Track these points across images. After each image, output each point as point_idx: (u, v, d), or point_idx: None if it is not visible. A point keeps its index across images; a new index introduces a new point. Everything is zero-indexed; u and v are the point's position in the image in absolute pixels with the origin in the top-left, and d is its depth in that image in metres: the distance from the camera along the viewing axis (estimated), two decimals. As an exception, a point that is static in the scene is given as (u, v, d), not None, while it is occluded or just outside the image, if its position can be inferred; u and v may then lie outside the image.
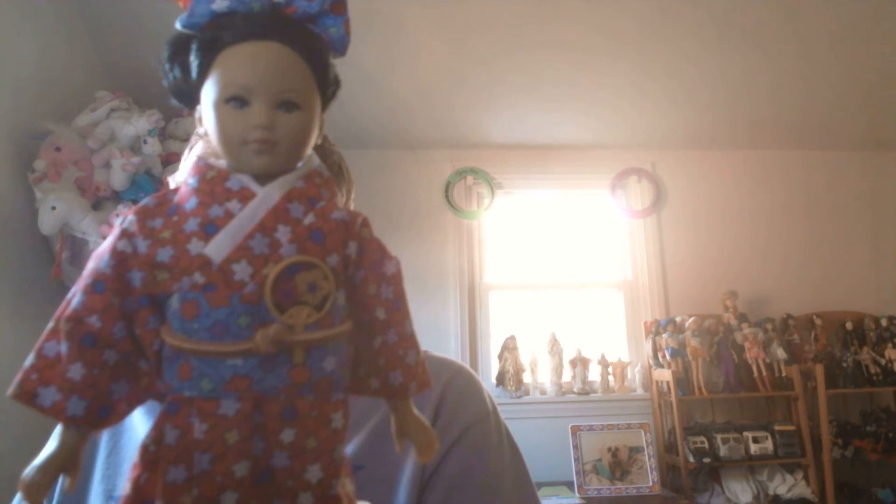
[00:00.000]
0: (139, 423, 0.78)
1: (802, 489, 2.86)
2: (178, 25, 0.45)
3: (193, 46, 0.45)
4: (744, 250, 3.47)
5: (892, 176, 3.67)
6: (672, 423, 3.01)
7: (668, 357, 3.06)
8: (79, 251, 2.19)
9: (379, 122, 3.25)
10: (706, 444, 2.88)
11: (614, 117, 3.33)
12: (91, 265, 0.42)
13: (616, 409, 3.16)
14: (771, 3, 2.61)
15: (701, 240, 3.49)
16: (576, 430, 2.91)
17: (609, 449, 2.89)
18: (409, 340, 0.46)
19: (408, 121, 3.29)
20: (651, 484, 2.81)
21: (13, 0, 2.19)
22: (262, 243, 0.41)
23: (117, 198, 2.27)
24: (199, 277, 0.40)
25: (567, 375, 3.25)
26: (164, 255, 0.41)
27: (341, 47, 0.48)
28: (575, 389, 3.21)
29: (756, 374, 3.06)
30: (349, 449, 0.71)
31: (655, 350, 3.16)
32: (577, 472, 2.82)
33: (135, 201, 2.25)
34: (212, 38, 0.44)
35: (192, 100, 0.46)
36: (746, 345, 3.11)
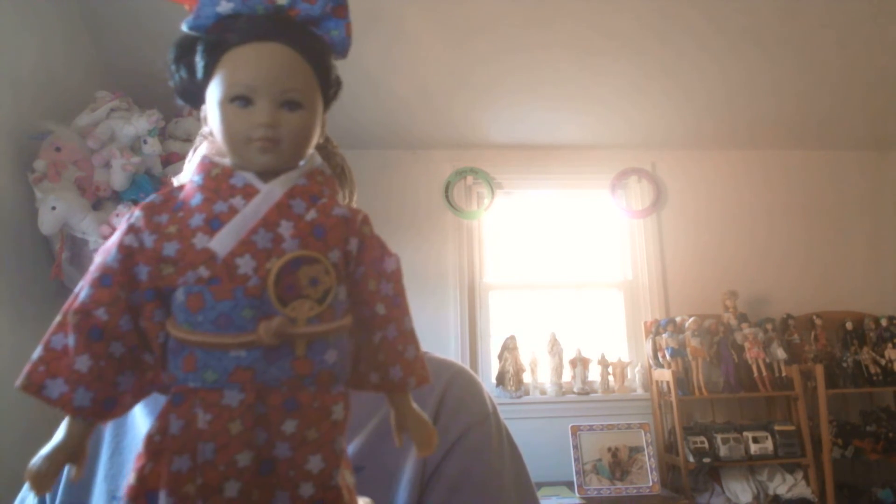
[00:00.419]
0: (142, 423, 0.78)
1: (802, 489, 2.86)
2: (184, 27, 0.47)
3: (199, 48, 0.46)
4: (744, 250, 3.48)
5: (892, 176, 3.68)
6: (672, 423, 3.01)
7: (668, 357, 3.06)
8: (79, 251, 2.19)
9: (379, 122, 3.25)
10: (706, 444, 2.88)
11: (614, 117, 3.34)
12: (98, 259, 0.43)
13: (616, 409, 3.16)
14: (771, 3, 2.62)
15: (701, 240, 3.49)
16: (576, 430, 2.92)
17: (609, 449, 2.89)
18: (409, 336, 0.47)
19: (408, 121, 3.29)
20: (651, 484, 2.81)
21: (13, 0, 2.20)
22: (265, 238, 0.42)
23: (117, 198, 2.28)
24: (203, 271, 0.41)
25: (567, 375, 3.25)
26: (170, 249, 0.42)
27: (342, 50, 0.49)
28: (575, 389, 3.21)
29: (756, 374, 3.06)
30: (350, 450, 0.72)
31: (655, 350, 3.16)
32: (577, 472, 2.82)
33: (135, 201, 2.25)
34: (217, 40, 0.45)
35: (197, 99, 0.48)
36: (746, 345, 3.12)
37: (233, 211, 0.43)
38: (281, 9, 0.46)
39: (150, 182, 2.33)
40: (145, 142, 2.32)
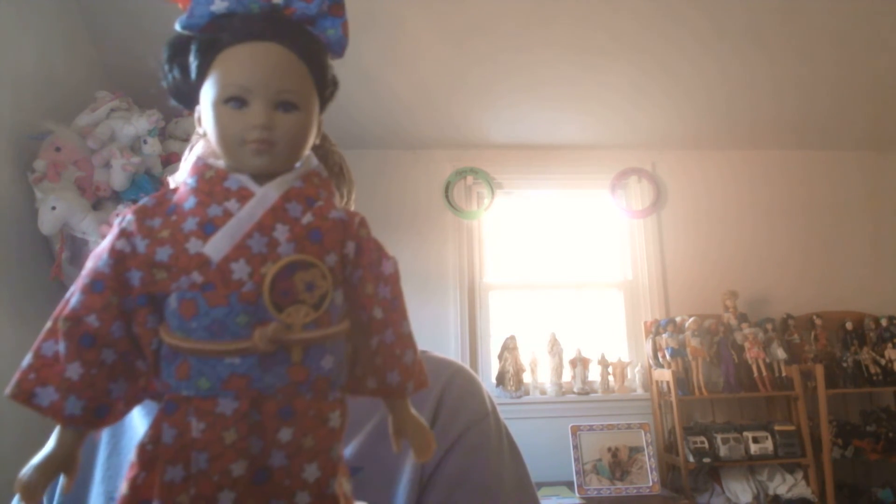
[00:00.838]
0: (139, 424, 0.78)
1: (802, 489, 2.86)
2: (177, 27, 0.46)
3: (193, 47, 0.45)
4: (744, 250, 3.47)
5: (892, 176, 3.67)
6: (672, 423, 3.01)
7: (668, 357, 3.06)
8: (79, 251, 2.19)
9: (379, 122, 3.25)
10: (706, 444, 2.88)
11: (614, 117, 3.33)
12: (90, 264, 0.43)
13: (616, 409, 3.16)
14: (771, 3, 2.61)
15: (701, 240, 3.49)
16: (576, 430, 2.91)
17: (609, 449, 2.89)
18: (407, 340, 0.46)
19: (408, 121, 3.29)
20: (651, 484, 2.81)
21: (13, 0, 2.19)
22: (260, 242, 0.42)
23: (117, 198, 2.28)
24: (197, 276, 0.41)
25: (567, 375, 3.25)
26: (163, 254, 0.41)
27: (339, 49, 0.48)
28: (575, 389, 3.21)
29: (756, 374, 3.06)
30: (349, 450, 0.72)
31: (655, 350, 3.16)
32: (577, 472, 2.82)
33: (135, 201, 2.23)
34: (211, 40, 0.45)
35: (191, 100, 0.47)
36: (746, 345, 3.11)
37: (227, 214, 0.42)
38: (276, 7, 0.45)
39: (150, 182, 2.32)
40: (145, 142, 2.31)
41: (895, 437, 3.00)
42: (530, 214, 3.60)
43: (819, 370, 2.96)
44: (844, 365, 3.13)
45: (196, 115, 0.48)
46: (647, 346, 3.22)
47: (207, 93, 0.45)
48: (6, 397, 0.40)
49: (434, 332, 3.24)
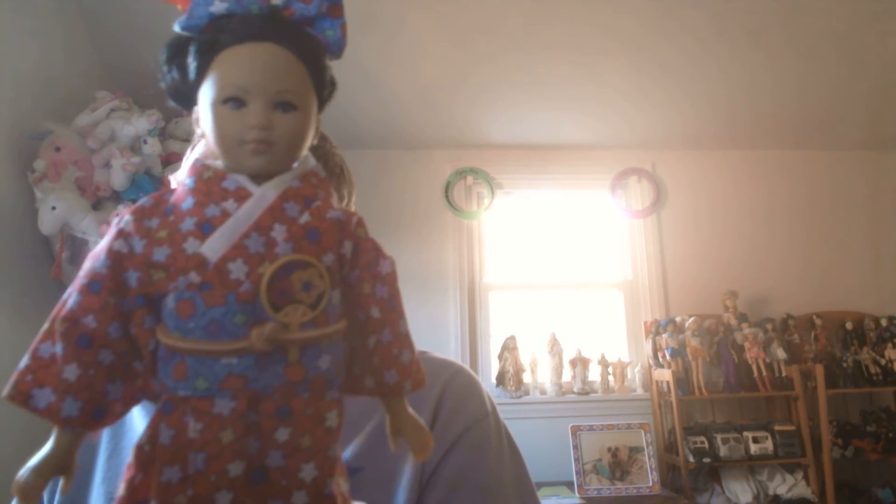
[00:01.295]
0: (140, 424, 0.77)
1: (802, 489, 2.86)
2: (176, 27, 0.46)
3: (191, 48, 0.45)
4: (744, 250, 3.47)
5: (892, 176, 3.67)
6: (672, 423, 3.01)
7: (668, 357, 3.06)
8: (79, 251, 2.19)
9: (379, 122, 3.25)
10: (706, 444, 2.88)
11: (614, 117, 3.34)
12: (87, 265, 0.42)
13: (616, 409, 3.16)
14: (771, 3, 2.61)
15: (701, 240, 3.49)
16: (576, 430, 2.91)
17: (609, 449, 2.89)
18: (404, 339, 0.46)
19: (408, 121, 3.29)
20: (651, 484, 2.81)
21: (13, 1, 2.20)
22: (258, 242, 0.42)
23: (117, 198, 2.28)
24: (195, 276, 0.41)
25: (567, 375, 3.25)
26: (161, 254, 0.41)
27: (337, 50, 0.48)
28: (575, 389, 3.21)
29: (756, 374, 3.06)
30: (349, 451, 0.72)
31: (655, 350, 3.16)
32: (577, 472, 2.82)
33: (135, 201, 2.23)
34: (210, 40, 0.45)
35: (189, 101, 0.47)
36: (746, 345, 3.11)
37: (225, 214, 0.42)
38: (275, 8, 0.45)
39: (150, 182, 2.33)
40: (145, 142, 2.32)
41: (895, 437, 3.00)
42: (530, 214, 3.60)
43: (819, 370, 2.96)
44: (844, 365, 3.13)
45: (195, 115, 0.48)
46: (647, 346, 3.22)
47: (206, 93, 0.45)
48: (3, 399, 0.40)
49: (434, 332, 3.24)
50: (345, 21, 0.47)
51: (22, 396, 0.40)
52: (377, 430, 0.73)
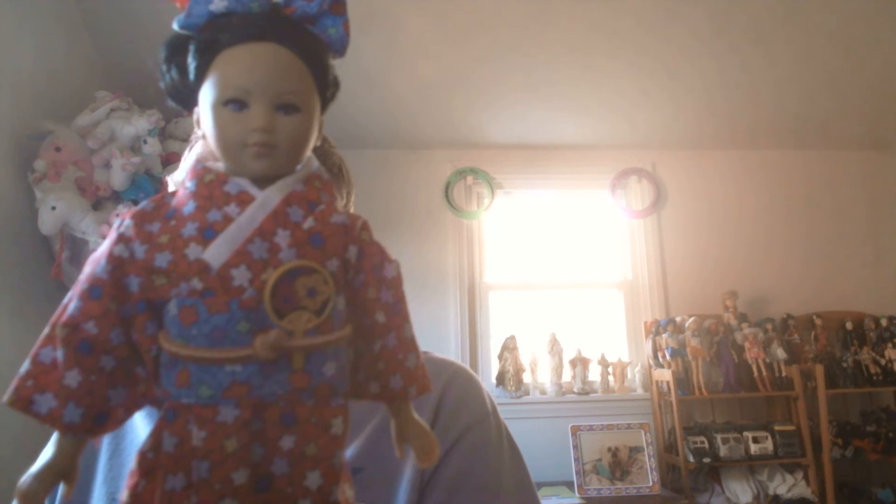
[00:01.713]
0: (141, 426, 0.77)
1: (802, 489, 2.86)
2: (175, 26, 0.45)
3: (191, 48, 0.44)
4: (744, 250, 3.47)
5: (892, 176, 3.67)
6: (672, 423, 3.01)
7: (668, 357, 3.06)
8: (79, 251, 2.19)
9: (379, 122, 3.24)
10: (706, 444, 2.88)
11: (614, 117, 3.33)
12: (87, 270, 0.42)
13: (616, 409, 3.16)
14: (771, 2, 2.61)
15: (701, 240, 3.49)
16: (576, 430, 2.91)
17: (609, 449, 2.88)
18: (409, 344, 0.45)
19: (408, 121, 3.28)
20: (651, 484, 2.81)
21: (13, 0, 2.19)
22: (261, 248, 0.41)
23: (117, 198, 2.27)
24: (197, 283, 0.40)
25: (567, 375, 3.25)
26: (162, 260, 0.41)
27: (340, 48, 0.47)
28: (575, 389, 3.21)
29: (756, 374, 3.06)
30: (349, 451, 0.71)
31: (655, 350, 3.16)
32: (577, 472, 2.82)
33: (135, 201, 2.25)
34: (210, 40, 0.44)
35: (189, 101, 0.46)
36: (746, 345, 3.11)
37: (227, 220, 0.42)
38: (276, 7, 0.45)
39: (150, 182, 2.32)
40: (145, 142, 2.31)
41: (895, 437, 3.00)
42: (530, 214, 3.60)
43: (819, 370, 2.96)
44: (844, 365, 3.12)
45: (195, 116, 0.47)
46: (647, 346, 3.22)
47: (206, 94, 0.44)
48: (4, 404, 0.40)
49: (434, 332, 3.24)
50: (347, 19, 0.47)
51: (23, 402, 0.40)
52: (377, 430, 0.73)
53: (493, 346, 3.31)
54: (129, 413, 0.42)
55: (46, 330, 0.41)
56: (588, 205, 3.62)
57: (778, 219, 3.54)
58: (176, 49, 0.45)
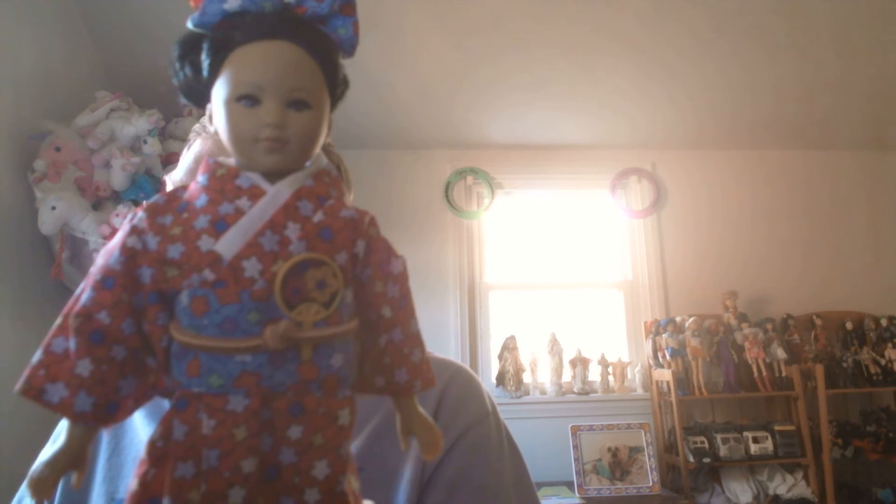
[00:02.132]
0: (140, 425, 0.78)
1: (802, 489, 2.86)
2: (189, 24, 0.46)
3: (205, 45, 0.45)
4: (744, 250, 3.48)
5: (892, 176, 3.68)
6: (672, 423, 3.01)
7: (668, 357, 3.06)
8: (79, 251, 2.19)
9: (379, 122, 3.25)
10: (706, 444, 2.88)
11: (614, 117, 3.34)
12: (100, 261, 0.43)
13: (616, 409, 3.16)
14: (771, 3, 2.62)
15: (701, 240, 3.49)
16: (576, 430, 2.91)
17: (609, 449, 2.89)
18: (415, 339, 0.46)
19: (408, 121, 3.29)
20: (651, 484, 2.81)
21: (13, 0, 2.19)
22: (271, 240, 0.42)
23: (117, 198, 2.28)
24: (209, 274, 0.41)
25: (567, 375, 3.25)
26: (174, 251, 0.41)
27: (350, 48, 0.48)
28: (575, 389, 3.21)
29: (756, 374, 3.06)
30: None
31: (655, 350, 3.16)
32: (577, 472, 2.82)
33: (135, 201, 2.25)
34: (223, 38, 0.45)
35: (202, 98, 0.47)
36: (746, 345, 3.12)
37: (238, 212, 0.42)
38: (288, 6, 0.45)
39: (150, 182, 2.33)
40: (145, 142, 2.32)
41: (895, 437, 3.00)
42: (530, 214, 3.60)
43: (819, 370, 2.96)
44: (844, 365, 3.13)
45: (207, 112, 0.48)
46: (647, 346, 3.22)
47: (219, 91, 0.45)
48: (15, 394, 0.40)
49: (434, 332, 3.24)
50: (357, 19, 0.48)
51: (35, 391, 0.40)
52: (378, 430, 0.74)
53: (493, 346, 3.32)
54: (138, 403, 0.43)
55: (59, 320, 0.42)
56: (588, 205, 3.63)
57: (778, 219, 3.54)
58: (190, 47, 0.46)
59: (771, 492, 2.87)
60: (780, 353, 3.11)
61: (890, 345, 3.18)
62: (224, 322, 0.40)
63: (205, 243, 0.41)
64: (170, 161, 2.45)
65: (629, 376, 3.28)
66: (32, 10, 2.29)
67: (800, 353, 3.19)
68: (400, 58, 2.86)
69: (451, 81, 3.03)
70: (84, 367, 0.40)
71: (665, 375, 3.02)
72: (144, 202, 0.44)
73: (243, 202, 0.43)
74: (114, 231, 2.01)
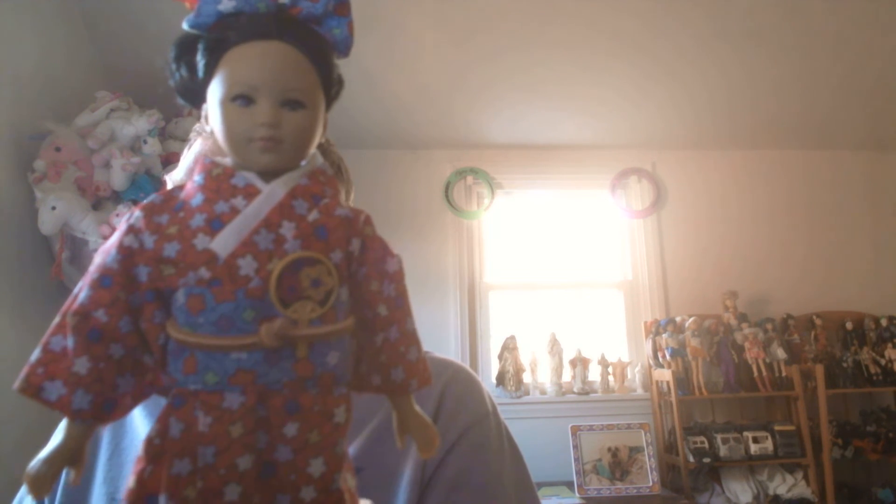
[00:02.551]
0: (140, 425, 0.78)
1: (802, 489, 2.86)
2: (184, 26, 0.46)
3: (200, 46, 0.46)
4: (744, 250, 3.48)
5: (892, 176, 3.68)
6: (672, 423, 3.01)
7: (668, 357, 3.06)
8: (79, 251, 2.19)
9: (379, 122, 3.25)
10: (706, 444, 2.88)
11: (614, 117, 3.34)
12: (98, 260, 0.43)
13: (616, 409, 3.16)
14: (771, 3, 2.62)
15: (701, 240, 3.49)
16: (576, 430, 2.91)
17: (609, 449, 2.89)
18: (411, 337, 0.46)
19: (408, 121, 3.29)
20: (651, 484, 2.81)
21: (13, 0, 2.19)
22: (267, 239, 0.42)
23: (117, 198, 2.28)
24: (204, 272, 0.41)
25: (567, 375, 3.25)
26: (171, 250, 0.42)
27: (345, 48, 0.48)
28: (575, 389, 3.21)
29: (756, 374, 3.06)
30: (349, 451, 0.72)
31: (655, 350, 3.16)
32: (577, 472, 2.82)
33: (135, 201, 2.25)
34: (218, 38, 0.45)
35: (198, 99, 0.47)
36: (746, 345, 3.12)
37: (234, 211, 0.43)
38: (283, 7, 0.46)
39: (150, 182, 2.33)
40: (145, 142, 2.32)
41: (895, 437, 3.00)
42: (530, 214, 3.60)
43: (819, 370, 2.96)
44: (844, 365, 3.13)
45: (203, 112, 0.48)
46: (647, 346, 3.22)
47: (214, 91, 0.45)
48: (14, 392, 0.41)
49: (434, 332, 3.24)
50: (352, 20, 0.48)
51: (33, 389, 0.41)
52: (377, 430, 0.74)
53: (493, 346, 3.32)
54: (136, 401, 0.43)
55: (57, 319, 0.42)
56: (588, 205, 3.63)
57: (778, 219, 3.54)
58: (185, 48, 0.46)
59: (771, 492, 2.87)
60: (780, 354, 3.11)
61: (890, 345, 3.18)
62: (220, 320, 0.40)
63: (201, 242, 0.42)
64: (170, 161, 2.45)
65: (629, 376, 3.28)
66: (32, 10, 2.29)
67: (800, 353, 3.19)
68: (400, 57, 2.86)
69: (451, 81, 3.03)
70: (82, 365, 0.40)
71: (665, 375, 3.02)
72: (141, 202, 0.44)
73: (239, 201, 0.43)
74: (114, 231, 2.01)
